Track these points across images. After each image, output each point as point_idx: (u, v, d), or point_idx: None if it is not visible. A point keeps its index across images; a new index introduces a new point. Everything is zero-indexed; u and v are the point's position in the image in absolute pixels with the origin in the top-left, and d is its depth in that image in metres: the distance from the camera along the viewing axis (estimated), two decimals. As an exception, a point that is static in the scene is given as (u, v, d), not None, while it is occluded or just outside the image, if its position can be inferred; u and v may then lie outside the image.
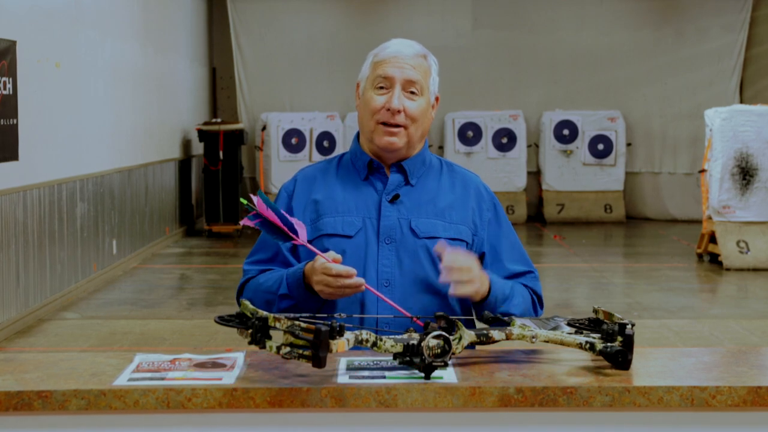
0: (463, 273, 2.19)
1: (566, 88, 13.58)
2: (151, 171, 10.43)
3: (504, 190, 12.96)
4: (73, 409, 1.82)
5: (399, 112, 2.35)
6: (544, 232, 12.50)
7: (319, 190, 2.44)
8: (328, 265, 2.16)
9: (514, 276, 2.45)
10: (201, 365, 1.97)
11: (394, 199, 2.39)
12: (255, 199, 2.15)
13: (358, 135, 2.49)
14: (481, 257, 2.44)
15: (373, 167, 2.43)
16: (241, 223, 2.18)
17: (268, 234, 2.19)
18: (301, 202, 2.43)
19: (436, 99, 2.45)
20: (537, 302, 2.48)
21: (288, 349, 1.81)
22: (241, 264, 2.37)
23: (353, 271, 2.16)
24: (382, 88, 2.37)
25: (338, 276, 2.15)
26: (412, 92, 2.36)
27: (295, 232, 2.17)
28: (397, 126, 2.36)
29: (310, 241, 2.36)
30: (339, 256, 2.20)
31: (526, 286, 2.46)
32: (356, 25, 13.39)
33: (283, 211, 2.18)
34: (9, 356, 2.09)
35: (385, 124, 2.36)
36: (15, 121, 6.60)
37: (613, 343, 1.98)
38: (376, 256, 2.35)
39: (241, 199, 2.21)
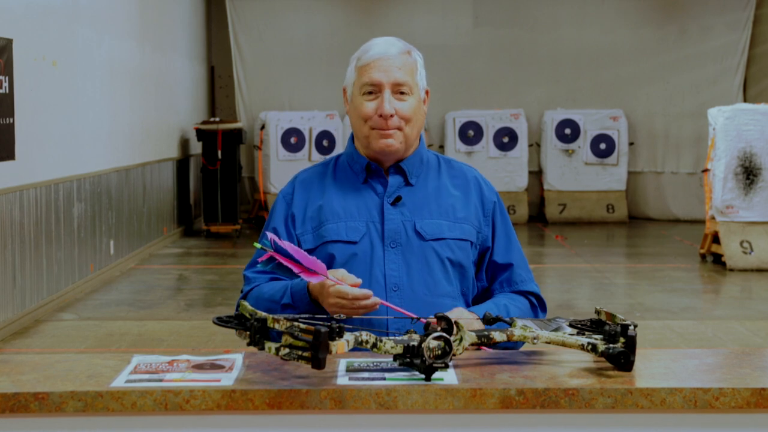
0: None
1: (568, 87, 13.56)
2: (149, 170, 10.41)
3: (505, 190, 12.94)
4: (70, 411, 1.81)
5: (391, 116, 2.32)
6: (545, 233, 12.48)
7: (319, 195, 2.41)
8: (342, 289, 2.12)
9: (508, 276, 2.42)
10: (199, 367, 1.95)
11: (396, 201, 2.37)
12: (270, 238, 2.08)
13: (353, 137, 2.45)
14: (485, 252, 2.42)
15: (371, 170, 2.40)
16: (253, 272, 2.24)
17: (284, 274, 2.12)
18: (302, 208, 2.41)
19: (426, 93, 2.42)
20: (537, 305, 2.45)
21: (287, 350, 1.79)
22: (239, 264, 2.35)
23: (369, 292, 2.13)
24: (370, 93, 2.33)
25: (355, 299, 2.13)
26: (402, 92, 2.33)
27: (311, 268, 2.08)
28: (392, 128, 2.33)
29: (312, 250, 2.34)
30: (359, 280, 2.16)
31: (526, 293, 2.44)
32: (356, 23, 13.36)
33: (297, 249, 2.08)
34: (5, 357, 2.08)
35: (379, 128, 2.33)
36: (11, 120, 6.59)
37: (615, 345, 1.97)
38: (382, 261, 2.32)
39: (255, 244, 2.13)
